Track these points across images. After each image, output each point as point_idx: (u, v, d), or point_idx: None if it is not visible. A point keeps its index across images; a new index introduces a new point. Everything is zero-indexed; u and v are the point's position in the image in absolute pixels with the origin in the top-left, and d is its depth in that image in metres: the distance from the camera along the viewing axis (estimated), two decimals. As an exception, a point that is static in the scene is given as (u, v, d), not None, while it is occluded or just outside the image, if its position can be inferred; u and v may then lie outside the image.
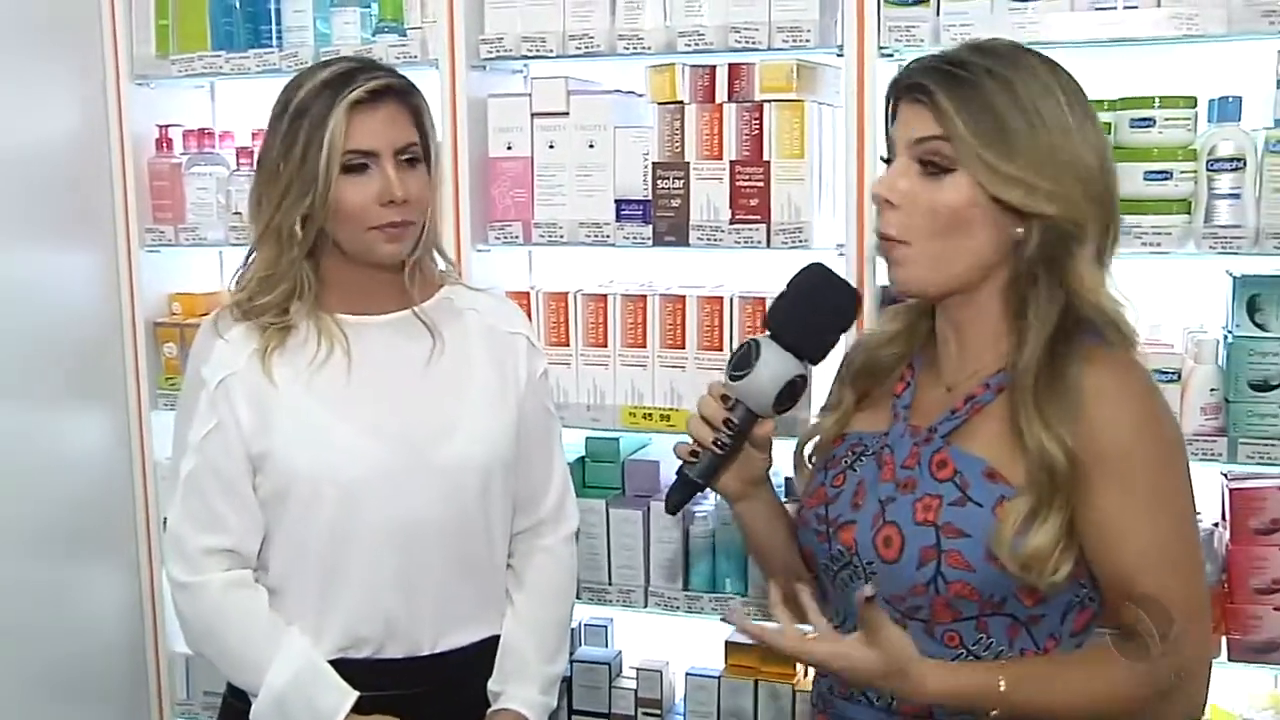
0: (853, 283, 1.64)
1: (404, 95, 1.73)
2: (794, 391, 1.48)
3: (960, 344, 1.49)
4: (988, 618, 1.42)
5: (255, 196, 1.75)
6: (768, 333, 1.50)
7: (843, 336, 1.54)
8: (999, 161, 1.35)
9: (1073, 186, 1.37)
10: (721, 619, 1.54)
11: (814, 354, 1.51)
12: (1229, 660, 2.10)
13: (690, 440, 1.54)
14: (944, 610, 1.42)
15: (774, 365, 1.47)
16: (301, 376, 1.73)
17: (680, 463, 1.55)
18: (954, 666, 1.40)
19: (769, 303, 1.56)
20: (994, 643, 1.43)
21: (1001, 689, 1.35)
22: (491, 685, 1.84)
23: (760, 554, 1.70)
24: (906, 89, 1.42)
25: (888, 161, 1.47)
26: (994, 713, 1.35)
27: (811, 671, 1.75)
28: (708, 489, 1.57)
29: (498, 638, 1.86)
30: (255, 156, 1.76)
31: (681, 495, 1.55)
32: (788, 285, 1.54)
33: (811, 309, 1.51)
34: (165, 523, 2.53)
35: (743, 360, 1.48)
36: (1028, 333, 1.39)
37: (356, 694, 1.72)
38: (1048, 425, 1.36)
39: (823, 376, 1.68)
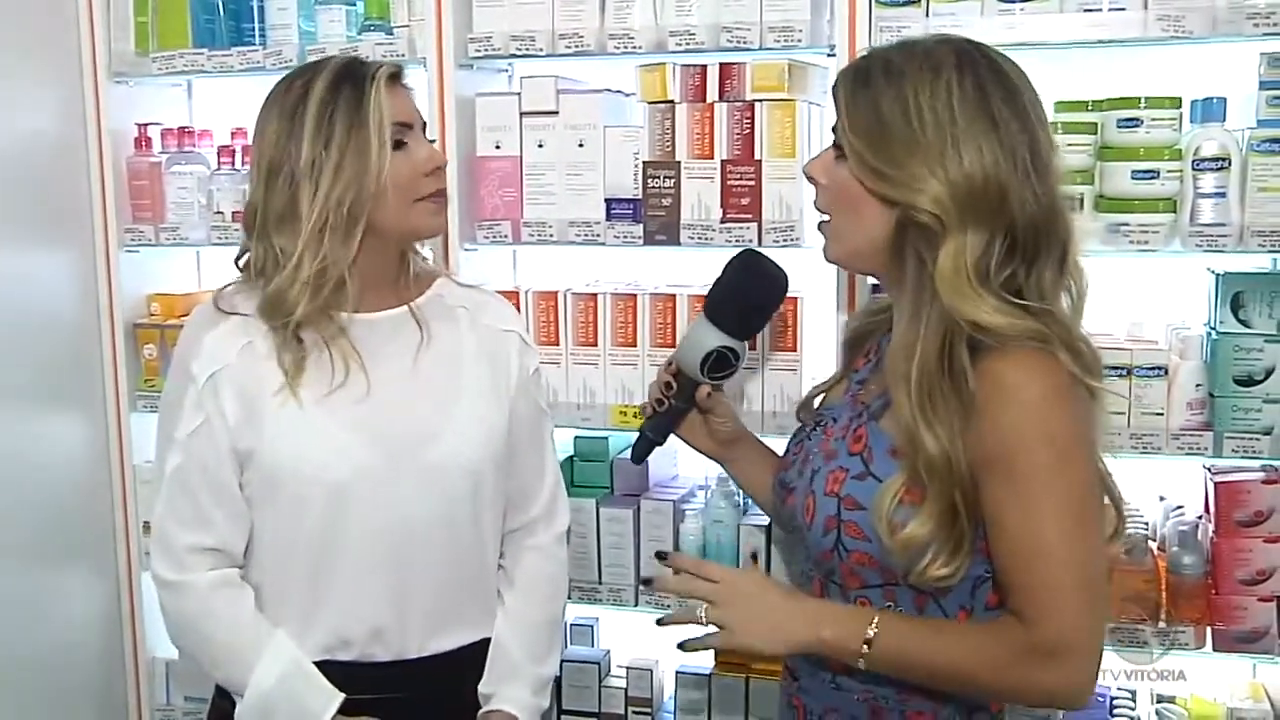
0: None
1: (403, 79, 1.77)
2: (723, 363, 1.72)
3: (899, 324, 1.55)
4: (893, 587, 1.50)
5: (287, 206, 1.68)
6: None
7: (773, 314, 1.81)
8: (866, 152, 1.46)
9: (936, 187, 1.41)
10: (657, 621, 1.65)
11: (739, 330, 1.73)
12: (1213, 650, 2.14)
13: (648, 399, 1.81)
14: (851, 577, 1.53)
15: (699, 336, 1.73)
16: (305, 384, 1.71)
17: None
18: (820, 615, 1.51)
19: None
20: (902, 609, 1.50)
21: (868, 636, 1.45)
22: (482, 687, 1.83)
23: (760, 503, 1.91)
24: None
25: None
26: (863, 653, 1.46)
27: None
28: (657, 443, 1.83)
29: (489, 640, 1.84)
30: (265, 168, 1.70)
31: (641, 448, 1.85)
32: (723, 268, 1.76)
33: (738, 291, 1.75)
34: (146, 526, 2.53)
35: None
36: (918, 325, 1.45)
37: (343, 695, 1.71)
38: (929, 422, 1.41)
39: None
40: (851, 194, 1.49)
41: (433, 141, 1.81)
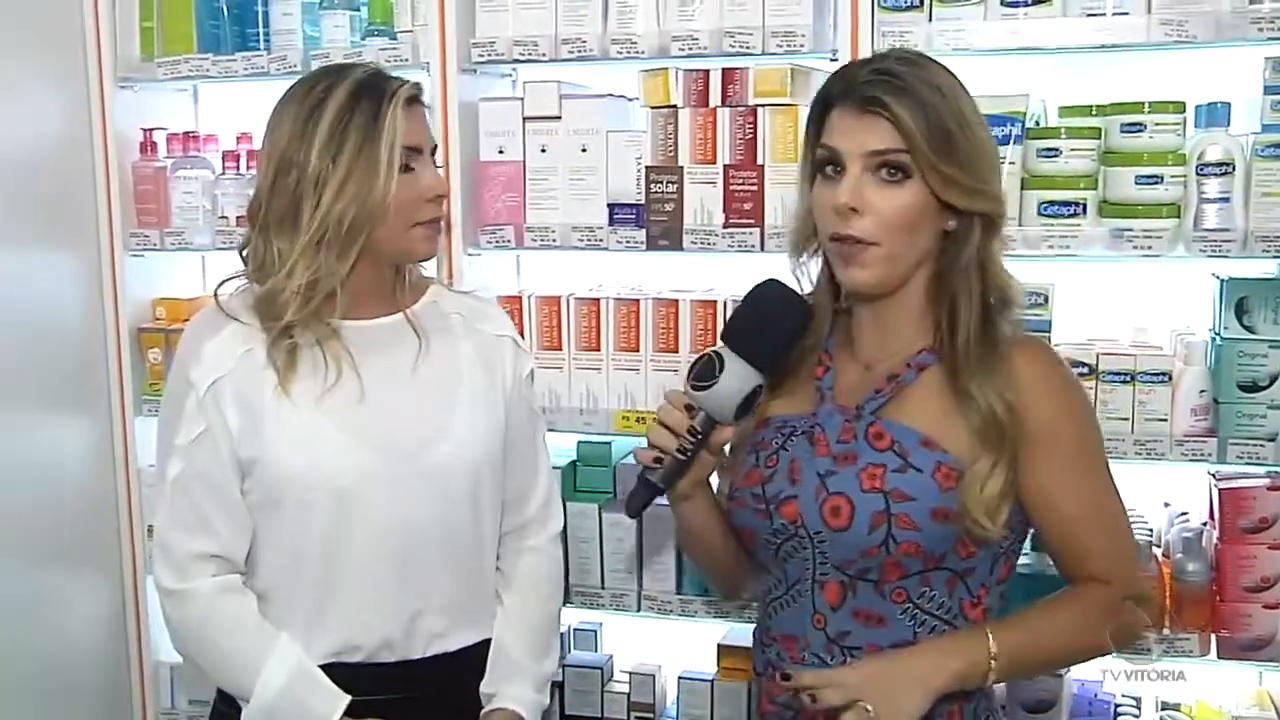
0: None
1: (422, 100, 1.77)
2: (753, 401, 1.58)
3: (880, 327, 1.62)
4: (930, 572, 1.56)
5: (289, 210, 1.69)
6: (724, 344, 1.58)
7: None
8: (947, 168, 1.50)
9: (995, 181, 1.56)
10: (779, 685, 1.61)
11: (771, 365, 1.59)
12: (1218, 658, 2.13)
13: (648, 445, 1.61)
14: (893, 569, 1.55)
15: (737, 377, 1.56)
16: (301, 389, 1.72)
17: (641, 468, 1.62)
18: (941, 653, 1.54)
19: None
20: (936, 594, 1.57)
21: (992, 651, 1.52)
22: (484, 687, 1.84)
23: (696, 548, 1.80)
24: (859, 100, 1.52)
25: (826, 165, 1.55)
26: (991, 668, 1.53)
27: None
28: (663, 493, 1.63)
29: (489, 641, 1.86)
30: (274, 165, 1.70)
31: (644, 499, 1.63)
32: (745, 299, 1.63)
33: (768, 323, 1.59)
34: (151, 530, 2.53)
35: (705, 371, 1.56)
36: (959, 314, 1.55)
37: (349, 698, 1.72)
38: (984, 387, 1.52)
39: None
40: (915, 215, 1.52)
41: (439, 168, 1.82)
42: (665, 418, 1.59)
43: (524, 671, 1.85)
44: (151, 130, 2.65)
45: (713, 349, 1.58)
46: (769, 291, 1.61)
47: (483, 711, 1.83)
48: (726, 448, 1.64)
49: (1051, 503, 1.56)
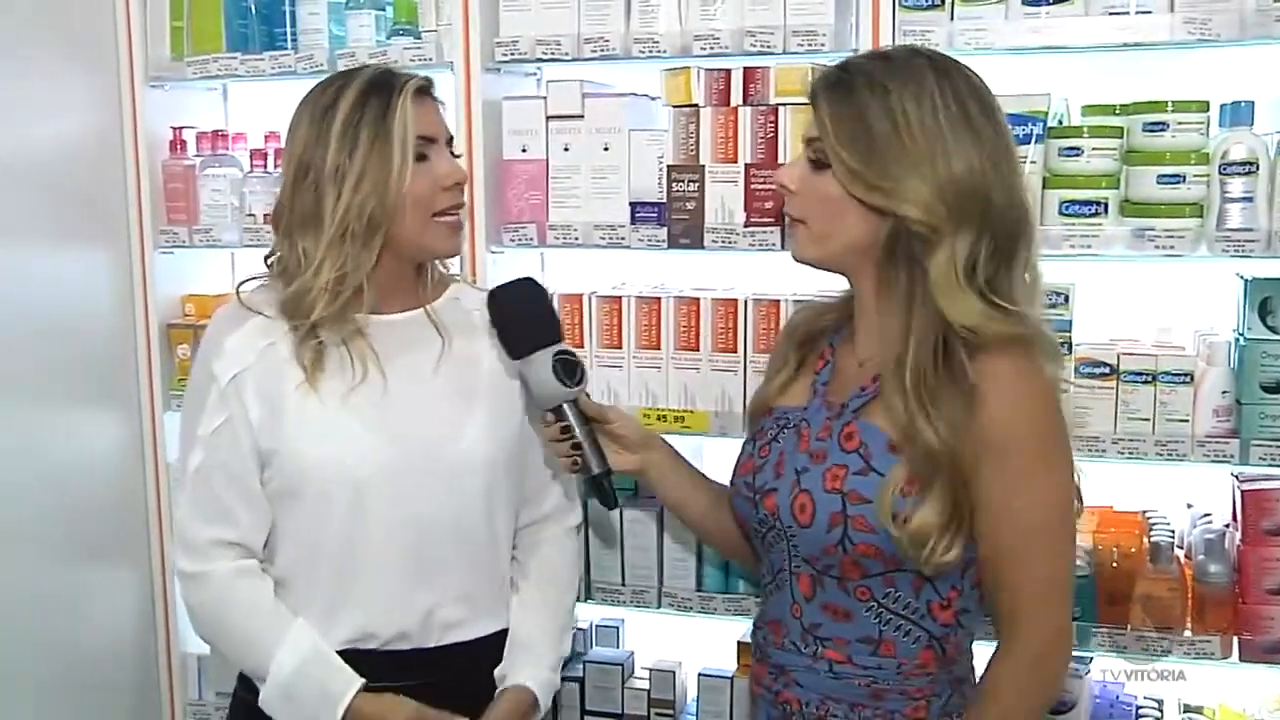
0: None
1: (433, 93, 1.80)
2: (567, 368, 1.73)
3: (866, 325, 1.64)
4: (893, 573, 1.58)
5: (311, 209, 1.73)
6: (515, 360, 1.77)
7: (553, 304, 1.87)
8: (856, 163, 1.51)
9: (925, 191, 1.49)
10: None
11: (543, 338, 1.75)
12: (1240, 661, 2.11)
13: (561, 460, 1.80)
14: (853, 568, 1.59)
15: (533, 369, 1.74)
16: (324, 384, 1.75)
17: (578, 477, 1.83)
18: None
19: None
20: (901, 594, 1.59)
21: None
22: (499, 670, 1.87)
23: (678, 508, 1.93)
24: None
25: None
26: None
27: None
28: (609, 471, 1.79)
29: (505, 631, 1.88)
30: (293, 169, 1.75)
31: (600, 492, 1.80)
32: (492, 319, 1.80)
33: (516, 320, 1.78)
34: (176, 521, 2.57)
35: (525, 384, 1.79)
36: (909, 325, 1.53)
37: (362, 680, 1.74)
38: (928, 416, 1.50)
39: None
40: (833, 202, 1.55)
41: (458, 157, 1.84)
42: (546, 437, 1.80)
43: (538, 654, 1.87)
44: (181, 129, 2.68)
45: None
46: (496, 299, 1.79)
47: (497, 690, 1.85)
48: (607, 413, 1.81)
49: (987, 527, 1.54)
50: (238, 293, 1.82)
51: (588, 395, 1.78)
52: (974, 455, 1.50)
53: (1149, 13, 2.02)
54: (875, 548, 1.55)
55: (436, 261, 1.90)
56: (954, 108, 1.50)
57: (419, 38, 2.42)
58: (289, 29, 2.54)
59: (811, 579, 1.64)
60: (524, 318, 1.78)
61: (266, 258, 1.84)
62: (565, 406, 1.74)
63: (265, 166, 2.60)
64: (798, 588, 1.65)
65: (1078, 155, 2.07)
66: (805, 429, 1.66)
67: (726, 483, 1.82)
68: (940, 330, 1.51)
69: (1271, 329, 2.07)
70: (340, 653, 1.76)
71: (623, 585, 2.41)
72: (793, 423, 1.68)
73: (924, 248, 1.51)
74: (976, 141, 1.50)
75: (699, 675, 2.44)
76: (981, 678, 1.62)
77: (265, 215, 2.54)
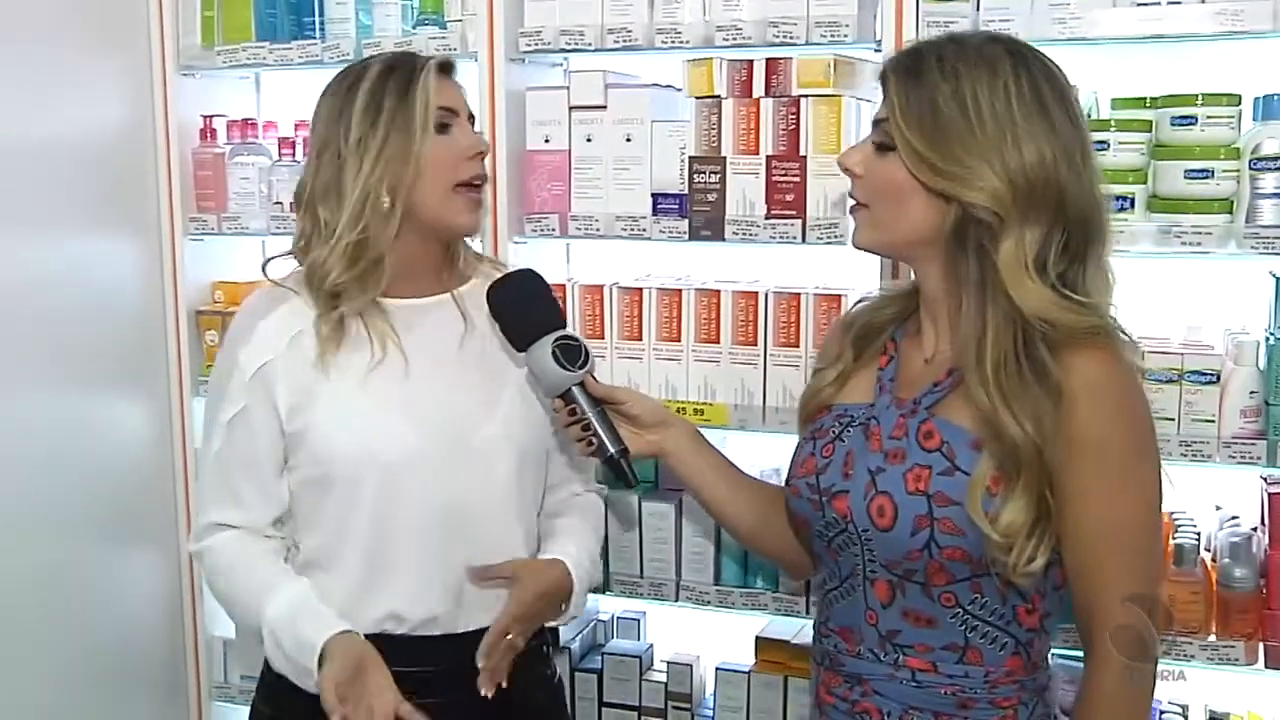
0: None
1: (454, 73, 1.82)
2: (569, 354, 1.72)
3: (935, 319, 1.59)
4: (980, 578, 1.51)
5: (332, 180, 1.74)
6: (520, 352, 1.76)
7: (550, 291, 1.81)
8: (922, 147, 1.46)
9: (992, 178, 1.44)
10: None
11: (543, 327, 1.74)
12: (1266, 667, 2.07)
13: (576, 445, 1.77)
14: (939, 573, 1.51)
15: (535, 357, 1.73)
16: (348, 365, 1.76)
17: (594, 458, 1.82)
18: None
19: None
20: (988, 601, 1.53)
21: None
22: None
23: (700, 491, 1.84)
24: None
25: None
26: None
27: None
28: (625, 450, 1.76)
29: None
30: (316, 147, 1.78)
31: (616, 470, 1.76)
32: (492, 314, 1.78)
33: (514, 312, 1.77)
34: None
35: (530, 375, 1.80)
36: (984, 317, 1.48)
37: (344, 625, 1.72)
38: (1013, 413, 1.44)
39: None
40: (898, 187, 1.50)
41: (479, 133, 1.84)
42: (557, 425, 1.79)
43: (579, 543, 1.88)
44: (211, 117, 2.70)
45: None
46: (494, 295, 1.77)
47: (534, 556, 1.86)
48: (616, 393, 1.79)
49: (1079, 527, 1.48)
50: (264, 270, 1.84)
51: (595, 378, 1.77)
52: (1060, 453, 1.45)
53: (1179, 4, 1.98)
54: (963, 551, 1.48)
55: (465, 245, 1.90)
56: (1028, 95, 1.46)
57: (444, 27, 2.43)
58: (316, 18, 2.56)
59: (890, 584, 1.56)
60: (519, 310, 1.77)
61: (292, 247, 1.85)
62: (573, 390, 1.73)
63: (293, 155, 2.62)
64: (873, 593, 1.58)
65: (1104, 149, 2.02)
66: (875, 427, 1.59)
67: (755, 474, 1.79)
68: (1018, 322, 1.46)
69: (1302, 329, 2.02)
70: (370, 637, 1.75)
71: (641, 577, 2.40)
72: (859, 420, 1.62)
73: (991, 237, 1.46)
74: (1050, 131, 1.45)
75: (716, 669, 2.43)
76: (1079, 692, 1.56)
77: (292, 203, 2.55)
